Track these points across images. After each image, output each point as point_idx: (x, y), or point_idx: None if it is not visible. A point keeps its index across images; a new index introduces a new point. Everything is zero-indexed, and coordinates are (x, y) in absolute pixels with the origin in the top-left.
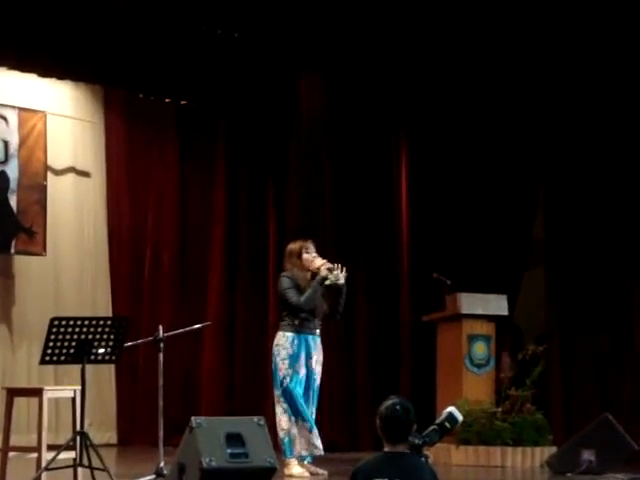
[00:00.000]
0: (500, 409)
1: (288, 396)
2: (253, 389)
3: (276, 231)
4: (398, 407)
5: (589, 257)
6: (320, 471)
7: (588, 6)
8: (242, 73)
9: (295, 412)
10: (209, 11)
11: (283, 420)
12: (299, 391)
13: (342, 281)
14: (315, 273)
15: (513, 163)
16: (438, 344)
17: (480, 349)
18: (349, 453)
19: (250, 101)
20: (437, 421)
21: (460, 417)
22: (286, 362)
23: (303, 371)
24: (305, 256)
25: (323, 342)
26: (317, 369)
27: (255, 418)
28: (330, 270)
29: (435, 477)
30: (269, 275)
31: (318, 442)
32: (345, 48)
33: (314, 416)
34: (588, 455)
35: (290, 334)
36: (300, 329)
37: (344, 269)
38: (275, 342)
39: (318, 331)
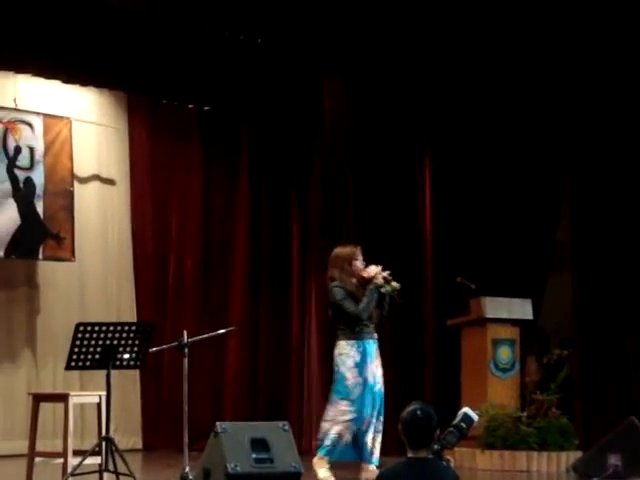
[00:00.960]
0: (525, 413)
1: (360, 405)
2: (277, 394)
3: (299, 236)
4: (419, 412)
5: (615, 259)
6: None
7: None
8: (265, 78)
9: (358, 420)
10: (232, 17)
11: (337, 422)
12: (369, 398)
13: (398, 288)
14: (363, 279)
15: (537, 166)
16: (462, 348)
17: (505, 353)
18: None
19: (273, 106)
20: (453, 423)
21: (475, 416)
22: (354, 370)
23: (371, 377)
24: (356, 264)
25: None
26: (378, 373)
27: (280, 423)
28: (385, 279)
29: None
30: (293, 279)
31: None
32: (367, 53)
33: (381, 420)
34: (614, 460)
35: (353, 341)
36: (361, 335)
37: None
38: (338, 351)
39: (375, 335)
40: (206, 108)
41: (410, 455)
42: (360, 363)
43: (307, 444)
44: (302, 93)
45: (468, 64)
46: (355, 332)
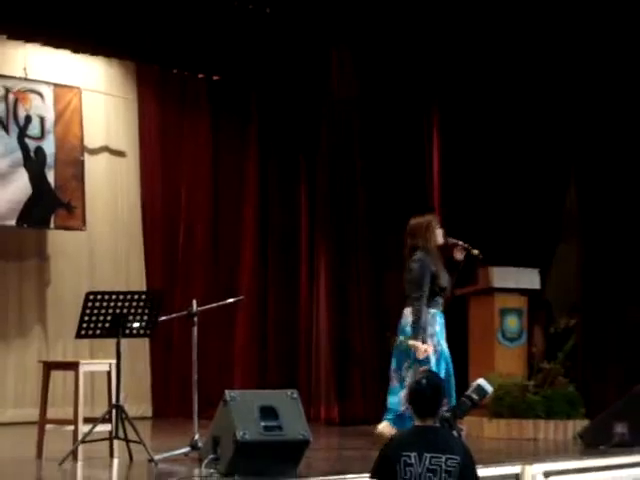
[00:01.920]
0: (532, 382)
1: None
2: (286, 362)
3: (308, 205)
4: (424, 382)
5: (620, 229)
6: None
7: None
8: (273, 48)
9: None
10: None
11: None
12: (445, 368)
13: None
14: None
15: (545, 136)
16: (470, 318)
17: (512, 323)
18: None
19: (281, 76)
20: (466, 393)
21: (490, 388)
22: (434, 339)
23: (447, 349)
24: (437, 232)
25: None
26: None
27: (289, 391)
28: (466, 250)
29: (465, 450)
30: (301, 250)
31: None
32: (375, 23)
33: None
34: (621, 428)
35: (434, 310)
36: (438, 307)
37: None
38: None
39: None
40: (215, 78)
41: (417, 424)
42: (439, 333)
43: (315, 412)
44: (310, 62)
45: (477, 32)
46: (434, 301)
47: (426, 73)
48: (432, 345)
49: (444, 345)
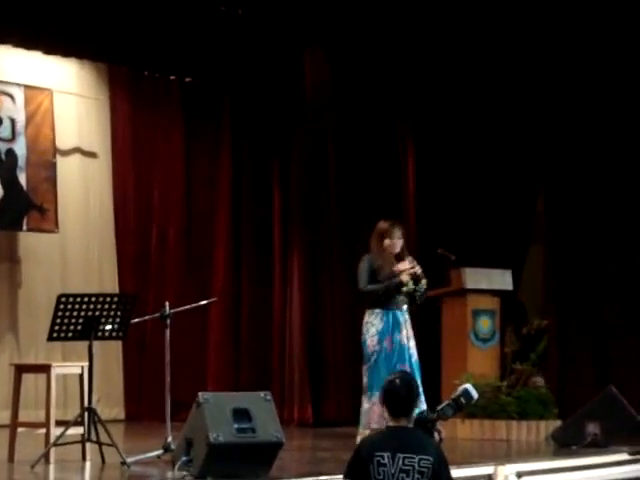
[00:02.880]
0: (505, 383)
1: (371, 371)
2: (259, 364)
3: (281, 206)
4: (398, 381)
5: (590, 229)
6: None
7: (589, 10)
8: (246, 49)
9: (371, 387)
10: None
11: (364, 395)
12: (384, 366)
13: (422, 291)
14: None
15: (516, 139)
16: (443, 319)
17: (485, 324)
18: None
19: (255, 77)
20: (452, 396)
21: (475, 394)
22: (375, 338)
23: (391, 346)
24: (386, 242)
25: (329, 317)
26: (410, 344)
27: (262, 393)
28: (413, 277)
29: (439, 451)
30: (274, 252)
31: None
32: (349, 24)
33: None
34: (593, 428)
35: (378, 310)
36: (387, 305)
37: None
38: (365, 320)
39: (405, 307)
40: (188, 79)
41: (390, 424)
42: (383, 331)
43: (289, 414)
44: (284, 64)
45: (452, 39)
46: (381, 301)
47: (400, 74)
48: (372, 345)
49: (400, 341)
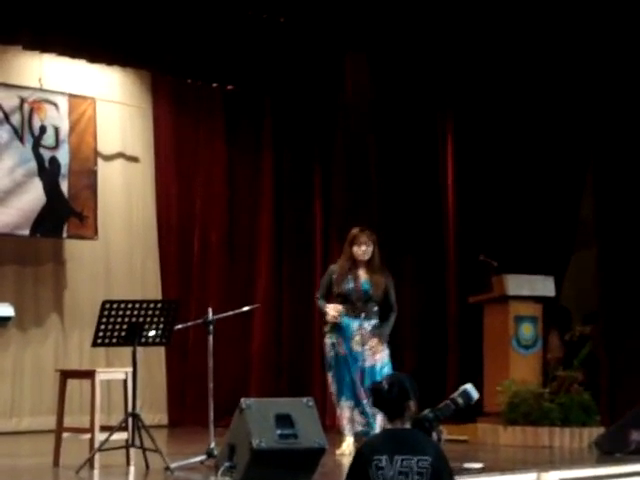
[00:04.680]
0: (547, 390)
1: (334, 379)
2: (302, 370)
3: (322, 211)
4: (385, 384)
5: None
6: None
7: None
8: (287, 56)
9: (338, 392)
10: None
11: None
12: (340, 373)
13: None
14: (358, 262)
15: (560, 143)
16: (485, 326)
17: (527, 330)
18: None
19: (296, 83)
20: (452, 396)
21: (475, 395)
22: (328, 347)
23: (343, 352)
24: (354, 249)
25: None
26: (365, 350)
27: (304, 399)
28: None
29: (438, 450)
30: (316, 258)
31: (358, 418)
32: (390, 27)
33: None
34: (637, 435)
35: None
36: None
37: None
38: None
39: (362, 315)
40: (229, 87)
41: (388, 427)
42: (335, 339)
43: (331, 420)
44: (325, 69)
45: (491, 37)
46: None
47: (440, 76)
48: (328, 353)
49: (342, 352)
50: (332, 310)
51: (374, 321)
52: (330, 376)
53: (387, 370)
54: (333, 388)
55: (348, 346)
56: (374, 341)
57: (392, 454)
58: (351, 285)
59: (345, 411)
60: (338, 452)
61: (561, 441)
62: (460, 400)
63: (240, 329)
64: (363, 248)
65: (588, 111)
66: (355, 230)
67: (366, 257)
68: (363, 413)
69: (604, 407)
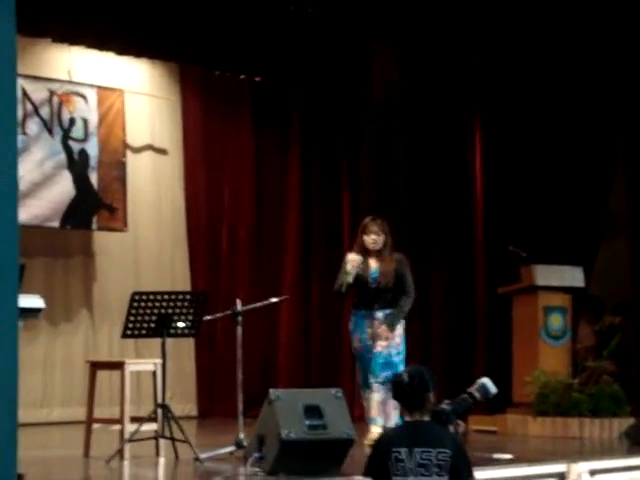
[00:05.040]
0: (577, 380)
1: (358, 369)
2: (330, 361)
3: (350, 205)
4: (405, 376)
5: None
6: None
7: None
8: (315, 48)
9: (362, 383)
10: None
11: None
12: (361, 365)
13: (350, 279)
14: (370, 251)
15: (589, 133)
16: (514, 316)
17: (556, 321)
18: None
19: (323, 76)
20: (469, 390)
21: (493, 389)
22: (352, 341)
23: (359, 345)
24: (364, 237)
25: None
26: (377, 344)
27: (333, 390)
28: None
29: (457, 443)
30: (343, 251)
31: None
32: (417, 21)
33: (379, 382)
34: None
35: (353, 311)
36: (355, 305)
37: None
38: None
39: (376, 305)
40: (257, 79)
41: (407, 419)
42: (353, 332)
43: (360, 411)
44: (353, 63)
45: (519, 30)
46: (354, 302)
47: (468, 70)
48: (352, 347)
49: (358, 345)
50: (349, 263)
51: (388, 310)
52: (357, 367)
53: (398, 358)
54: (358, 378)
55: (363, 338)
56: (382, 329)
57: (411, 446)
58: (362, 274)
59: (366, 401)
60: (366, 442)
61: (591, 432)
62: (477, 394)
63: (269, 321)
64: (373, 237)
65: (617, 100)
66: (367, 219)
67: (377, 247)
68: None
69: (635, 397)
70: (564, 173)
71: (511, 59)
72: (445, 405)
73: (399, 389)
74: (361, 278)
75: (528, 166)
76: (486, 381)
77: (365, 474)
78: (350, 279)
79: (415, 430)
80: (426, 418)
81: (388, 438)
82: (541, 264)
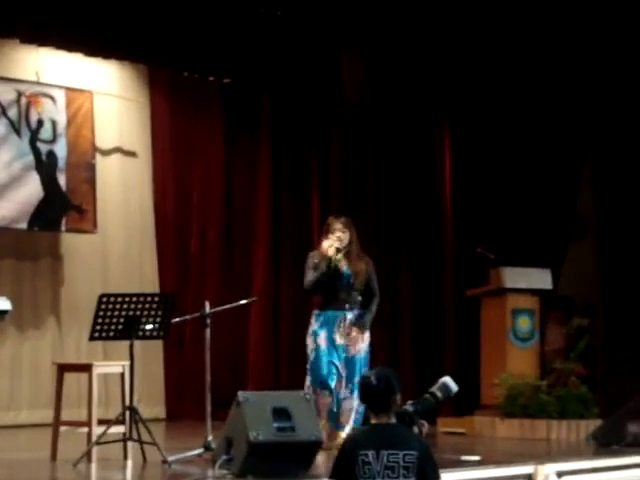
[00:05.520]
0: (545, 382)
1: (310, 370)
2: (299, 364)
3: (320, 205)
4: (372, 378)
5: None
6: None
7: None
8: (285, 50)
9: (312, 384)
10: None
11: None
12: (320, 364)
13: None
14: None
15: (556, 135)
16: (482, 318)
17: (524, 323)
18: None
19: (293, 78)
20: (430, 390)
21: (454, 388)
22: (311, 338)
23: (325, 343)
24: (329, 235)
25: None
26: (348, 344)
27: (301, 392)
28: (338, 250)
29: (423, 445)
30: (313, 248)
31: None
32: (386, 24)
33: (348, 390)
34: (634, 427)
35: (317, 311)
36: (324, 306)
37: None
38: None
39: (346, 306)
40: (226, 80)
41: (373, 421)
42: (316, 331)
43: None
44: (322, 63)
45: (489, 33)
46: (321, 303)
47: (437, 72)
48: (310, 344)
49: (324, 344)
50: (327, 248)
51: (357, 311)
52: (308, 368)
53: (366, 359)
54: (309, 379)
55: (331, 337)
56: (355, 331)
57: (378, 449)
58: (338, 270)
59: (323, 398)
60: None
61: (558, 434)
62: (439, 393)
63: (238, 322)
64: (338, 234)
65: (585, 103)
66: (330, 218)
67: (344, 244)
68: (336, 406)
69: (600, 399)
70: (532, 176)
71: (480, 63)
72: (408, 406)
73: (366, 391)
74: (336, 274)
75: (497, 168)
76: (447, 380)
77: (332, 476)
78: (339, 257)
79: (382, 432)
80: (392, 420)
81: (354, 440)
82: (509, 266)
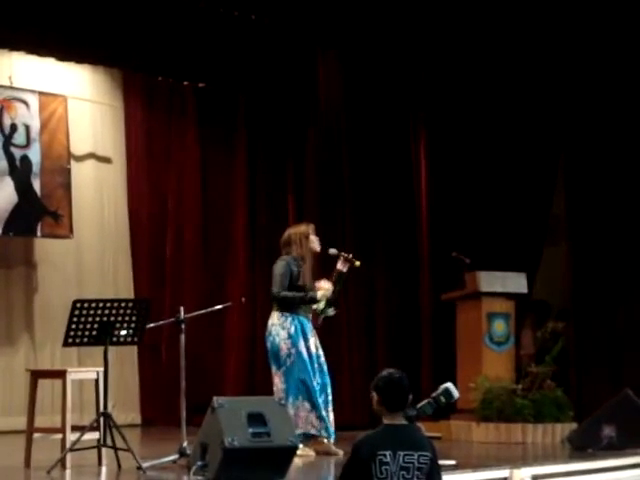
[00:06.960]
0: (520, 386)
1: (287, 376)
2: None
3: (295, 209)
4: (396, 375)
5: (609, 230)
6: (334, 450)
7: None
8: (260, 54)
9: (288, 392)
10: None
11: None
12: (301, 371)
13: (330, 314)
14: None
15: (531, 140)
16: (458, 322)
17: (499, 327)
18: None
19: (268, 82)
20: (433, 395)
21: (456, 394)
22: (288, 342)
23: (307, 352)
24: (312, 239)
25: (344, 322)
26: (320, 353)
27: (277, 398)
28: (329, 302)
29: (433, 447)
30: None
31: (315, 422)
32: (362, 27)
33: (329, 397)
34: (609, 431)
35: (288, 314)
36: (297, 311)
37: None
38: (272, 322)
39: (310, 316)
40: (201, 85)
41: (387, 422)
42: (295, 336)
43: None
44: (297, 68)
45: (463, 37)
46: (292, 306)
47: (413, 77)
48: (287, 348)
49: (308, 348)
50: (324, 284)
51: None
52: (282, 372)
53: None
54: (282, 387)
55: (307, 346)
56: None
57: (395, 449)
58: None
59: (302, 410)
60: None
61: (534, 437)
62: (442, 399)
63: (214, 327)
64: (315, 239)
65: (559, 109)
66: (303, 226)
67: (319, 248)
68: (319, 417)
69: (573, 403)
70: (507, 180)
71: (456, 67)
72: (410, 410)
73: (394, 388)
74: (303, 288)
75: (472, 173)
76: (450, 386)
77: (342, 478)
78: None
79: (397, 433)
80: (403, 421)
81: (371, 441)
82: (485, 270)
